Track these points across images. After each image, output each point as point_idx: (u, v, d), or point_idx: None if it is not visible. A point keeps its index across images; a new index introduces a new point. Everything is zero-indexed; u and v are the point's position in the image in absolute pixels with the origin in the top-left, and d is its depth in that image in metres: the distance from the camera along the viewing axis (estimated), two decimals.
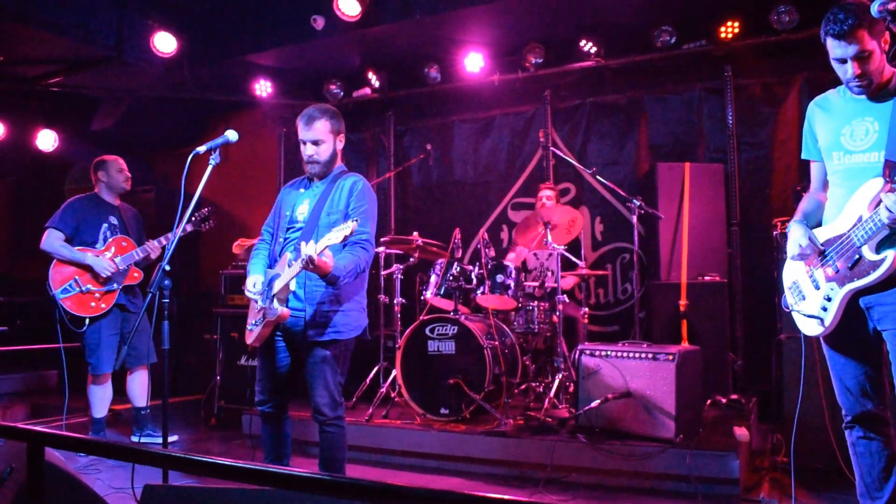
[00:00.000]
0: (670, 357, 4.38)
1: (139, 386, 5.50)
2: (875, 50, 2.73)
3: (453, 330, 5.26)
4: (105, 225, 5.39)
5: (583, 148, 7.11)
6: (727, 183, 6.31)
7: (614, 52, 6.73)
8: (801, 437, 4.18)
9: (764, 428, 5.10)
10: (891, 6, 2.48)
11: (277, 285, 3.50)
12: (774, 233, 4.79)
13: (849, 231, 2.78)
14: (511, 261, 5.62)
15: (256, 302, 3.64)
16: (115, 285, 5.25)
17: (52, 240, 5.20)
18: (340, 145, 3.77)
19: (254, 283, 3.64)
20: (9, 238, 10.04)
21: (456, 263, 5.49)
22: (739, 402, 5.37)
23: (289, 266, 3.48)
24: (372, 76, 7.50)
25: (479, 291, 5.44)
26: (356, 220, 3.23)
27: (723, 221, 6.19)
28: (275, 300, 3.49)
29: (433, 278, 5.57)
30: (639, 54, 6.62)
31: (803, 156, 3.16)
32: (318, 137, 3.66)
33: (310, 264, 3.23)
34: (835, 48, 2.77)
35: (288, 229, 3.73)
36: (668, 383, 4.35)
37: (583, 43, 6.63)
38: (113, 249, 5.34)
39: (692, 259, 5.92)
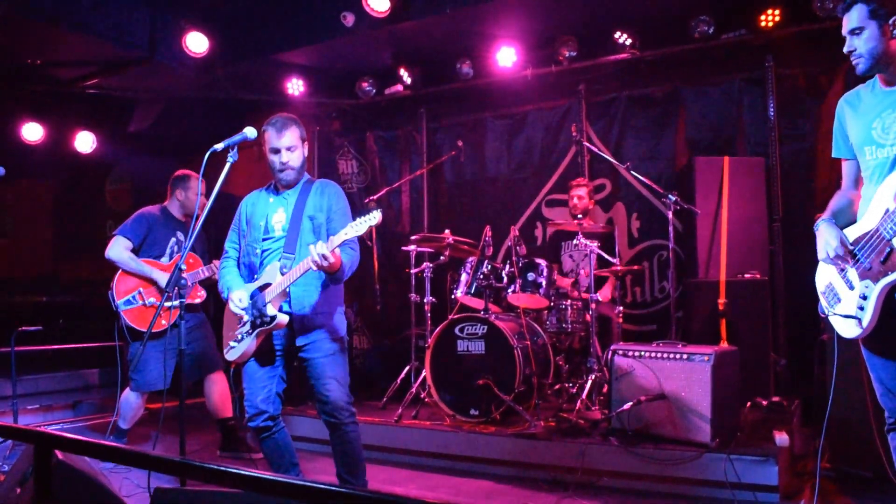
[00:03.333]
0: (706, 358, 4.23)
1: (217, 394, 5.20)
2: None
3: (483, 329, 5.15)
4: (173, 239, 5.17)
5: (618, 142, 6.94)
6: (768, 177, 6.09)
7: (650, 43, 6.52)
8: (846, 442, 4.05)
9: (807, 432, 4.91)
10: None
11: (272, 293, 3.52)
12: None
13: (878, 225, 2.67)
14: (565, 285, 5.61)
15: (241, 317, 3.61)
16: (178, 302, 4.93)
17: (120, 248, 4.96)
18: (306, 152, 3.81)
19: (240, 299, 3.60)
20: (51, 239, 10.20)
21: (487, 261, 5.39)
22: (781, 404, 5.17)
23: (281, 273, 3.52)
24: (404, 73, 7.42)
25: (510, 290, 5.35)
26: (378, 210, 3.31)
27: (764, 217, 5.97)
28: (268, 307, 3.50)
29: (464, 276, 5.49)
30: (676, 45, 6.41)
31: (834, 154, 3.06)
32: (292, 143, 3.70)
33: (324, 261, 3.28)
34: None
35: (265, 240, 3.72)
36: (703, 385, 4.20)
37: (617, 35, 6.44)
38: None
39: (732, 256, 5.73)
